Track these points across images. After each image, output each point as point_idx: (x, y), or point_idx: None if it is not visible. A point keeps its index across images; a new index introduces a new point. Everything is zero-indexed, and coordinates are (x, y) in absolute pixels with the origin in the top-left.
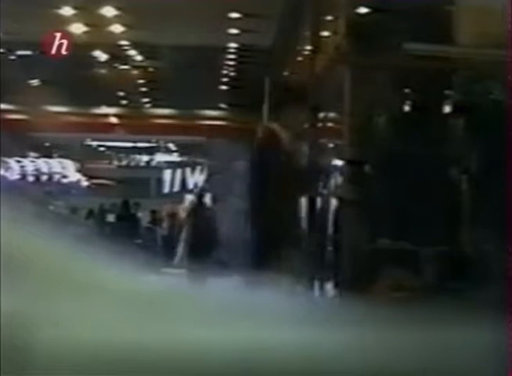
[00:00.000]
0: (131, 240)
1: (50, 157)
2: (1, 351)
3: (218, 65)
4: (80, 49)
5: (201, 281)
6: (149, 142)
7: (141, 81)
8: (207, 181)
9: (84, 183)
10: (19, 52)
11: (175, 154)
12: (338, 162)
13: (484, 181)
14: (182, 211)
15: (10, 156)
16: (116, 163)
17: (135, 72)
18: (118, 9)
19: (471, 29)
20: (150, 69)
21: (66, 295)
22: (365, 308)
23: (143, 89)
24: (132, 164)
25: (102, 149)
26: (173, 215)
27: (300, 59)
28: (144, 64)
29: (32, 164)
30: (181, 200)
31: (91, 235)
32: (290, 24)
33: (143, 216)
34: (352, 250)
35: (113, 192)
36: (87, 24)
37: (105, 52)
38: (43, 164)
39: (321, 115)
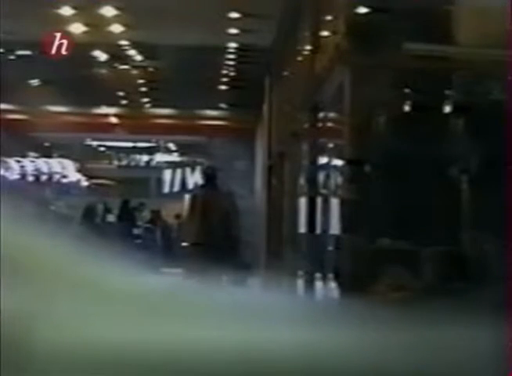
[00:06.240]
0: (132, 240)
1: (50, 157)
2: (1, 351)
3: (218, 65)
4: (80, 49)
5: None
6: (149, 142)
7: (141, 81)
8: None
9: (84, 183)
10: (19, 52)
11: (175, 154)
12: (338, 162)
13: (484, 181)
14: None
15: (10, 156)
16: (116, 163)
17: (135, 72)
18: (118, 9)
19: (471, 29)
20: (150, 69)
21: (66, 294)
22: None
23: (143, 89)
24: (132, 164)
25: (102, 149)
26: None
27: (300, 59)
28: (144, 64)
29: (32, 164)
30: (181, 200)
31: (89, 235)
32: (290, 24)
33: (144, 216)
34: (352, 250)
35: (113, 192)
36: (87, 24)
37: (105, 52)
38: (43, 164)
39: (321, 115)
